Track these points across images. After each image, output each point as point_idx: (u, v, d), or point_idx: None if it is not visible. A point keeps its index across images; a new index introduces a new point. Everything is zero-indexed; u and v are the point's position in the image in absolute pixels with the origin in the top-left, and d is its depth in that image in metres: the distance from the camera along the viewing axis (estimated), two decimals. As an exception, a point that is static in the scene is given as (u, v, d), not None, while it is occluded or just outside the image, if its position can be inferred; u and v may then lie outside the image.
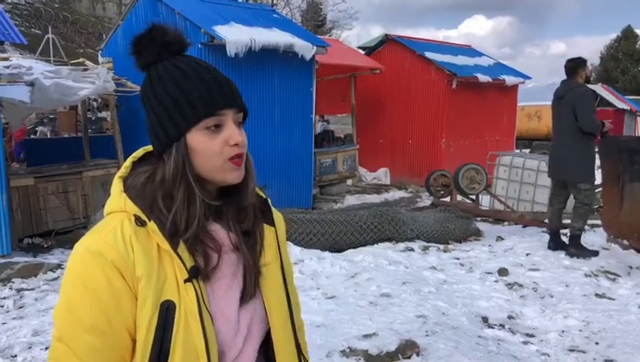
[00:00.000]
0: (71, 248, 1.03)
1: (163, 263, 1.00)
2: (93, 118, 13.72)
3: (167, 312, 0.98)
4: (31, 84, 6.28)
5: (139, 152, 1.12)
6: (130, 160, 1.11)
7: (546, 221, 7.19)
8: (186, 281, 0.99)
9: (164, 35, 1.05)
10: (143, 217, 1.00)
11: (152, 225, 0.99)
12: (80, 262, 0.98)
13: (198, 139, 1.02)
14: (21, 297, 4.94)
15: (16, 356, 3.67)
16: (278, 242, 1.19)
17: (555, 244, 5.94)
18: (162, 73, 1.04)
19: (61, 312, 0.99)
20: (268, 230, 1.17)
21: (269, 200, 1.22)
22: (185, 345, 0.98)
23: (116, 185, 1.06)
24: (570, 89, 5.68)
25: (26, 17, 25.90)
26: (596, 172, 5.87)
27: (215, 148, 1.02)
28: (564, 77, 5.86)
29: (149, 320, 0.97)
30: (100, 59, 10.28)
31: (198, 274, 1.01)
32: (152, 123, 1.05)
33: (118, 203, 1.03)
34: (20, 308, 4.70)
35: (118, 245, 0.97)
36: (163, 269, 0.99)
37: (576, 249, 5.67)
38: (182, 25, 8.62)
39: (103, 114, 14.26)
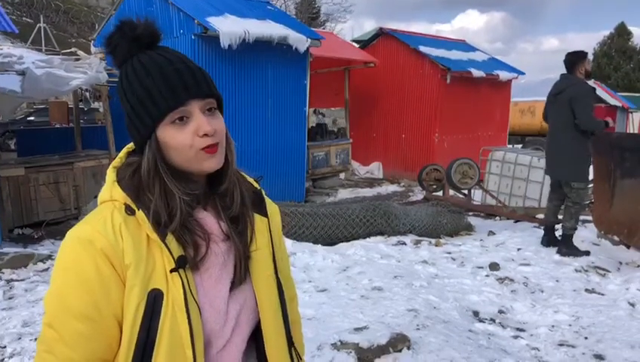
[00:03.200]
0: (61, 239, 1.03)
1: (152, 252, 1.00)
2: (85, 109, 13.64)
3: (154, 301, 0.98)
4: (22, 73, 6.22)
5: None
6: (125, 150, 1.11)
7: (538, 216, 7.22)
8: (172, 271, 0.99)
9: (133, 30, 1.04)
10: (133, 206, 1.00)
11: (140, 214, 1.00)
12: (70, 250, 0.99)
13: (167, 133, 1.02)
14: (11, 288, 4.91)
15: (5, 347, 3.65)
16: (270, 233, 1.18)
17: (548, 240, 5.95)
18: (129, 71, 1.04)
19: (51, 299, 1.00)
20: (260, 220, 1.16)
21: (264, 192, 1.21)
22: (171, 334, 0.98)
23: (110, 175, 1.06)
24: (570, 85, 5.52)
25: (17, 6, 25.64)
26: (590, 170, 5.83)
27: (185, 140, 1.01)
28: (557, 73, 5.74)
29: (135, 308, 0.97)
30: (93, 49, 10.21)
31: (185, 264, 1.01)
32: (127, 121, 1.06)
33: (110, 192, 1.04)
34: (10, 298, 4.67)
35: (107, 233, 0.98)
36: (152, 258, 1.00)
37: (568, 248, 5.67)
38: (175, 16, 8.58)
39: (96, 104, 14.19)
